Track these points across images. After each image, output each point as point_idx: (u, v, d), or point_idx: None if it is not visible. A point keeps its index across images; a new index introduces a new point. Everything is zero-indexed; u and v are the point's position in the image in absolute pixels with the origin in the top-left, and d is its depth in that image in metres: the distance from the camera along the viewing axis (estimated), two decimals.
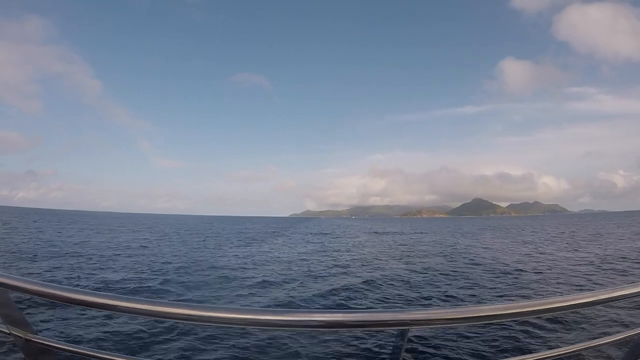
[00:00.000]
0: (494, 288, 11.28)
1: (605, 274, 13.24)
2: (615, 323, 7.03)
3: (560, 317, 7.19)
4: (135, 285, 11.16)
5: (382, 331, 6.45)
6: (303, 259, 18.88)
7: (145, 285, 11.28)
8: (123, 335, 6.44)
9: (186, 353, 5.90)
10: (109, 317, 7.06)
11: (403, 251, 22.81)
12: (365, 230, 56.06)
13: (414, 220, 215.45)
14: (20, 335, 1.34)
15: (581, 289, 10.70)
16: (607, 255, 18.09)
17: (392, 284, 11.92)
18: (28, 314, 7.15)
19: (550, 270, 14.36)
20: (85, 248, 20.86)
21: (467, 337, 6.49)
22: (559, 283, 11.88)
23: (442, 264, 16.75)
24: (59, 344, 1.36)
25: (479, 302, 9.31)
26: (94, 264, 15.26)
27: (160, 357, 5.81)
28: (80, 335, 6.44)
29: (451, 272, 14.12)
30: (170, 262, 16.01)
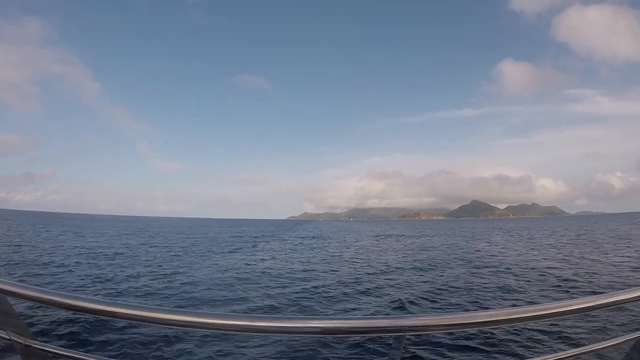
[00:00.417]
0: (548, 296, 10.38)
1: None
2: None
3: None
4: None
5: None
6: (304, 269, 16.40)
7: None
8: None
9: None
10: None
11: (419, 257, 20.47)
12: (370, 234, 53.56)
13: (413, 223, 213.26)
14: (20, 341, 1.35)
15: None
16: None
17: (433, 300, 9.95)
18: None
19: (595, 274, 13.45)
20: (51, 254, 18.77)
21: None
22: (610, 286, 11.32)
23: (472, 272, 14.56)
24: (58, 349, 1.38)
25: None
26: (43, 271, 13.33)
27: None
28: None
29: (490, 282, 12.31)
30: (137, 276, 13.47)
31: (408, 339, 1.19)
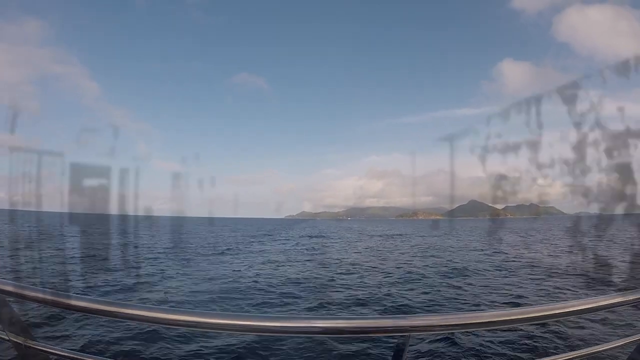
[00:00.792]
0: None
1: None
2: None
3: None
4: None
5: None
6: (299, 277, 13.95)
7: None
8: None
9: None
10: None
11: (433, 261, 17.99)
12: (370, 233, 51.62)
13: (412, 222, 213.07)
14: (20, 341, 1.33)
15: None
16: None
17: None
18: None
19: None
20: None
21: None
22: None
23: (506, 279, 12.89)
24: (57, 350, 1.37)
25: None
26: None
27: None
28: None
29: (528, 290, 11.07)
30: (94, 285, 10.98)
31: (411, 338, 1.08)
